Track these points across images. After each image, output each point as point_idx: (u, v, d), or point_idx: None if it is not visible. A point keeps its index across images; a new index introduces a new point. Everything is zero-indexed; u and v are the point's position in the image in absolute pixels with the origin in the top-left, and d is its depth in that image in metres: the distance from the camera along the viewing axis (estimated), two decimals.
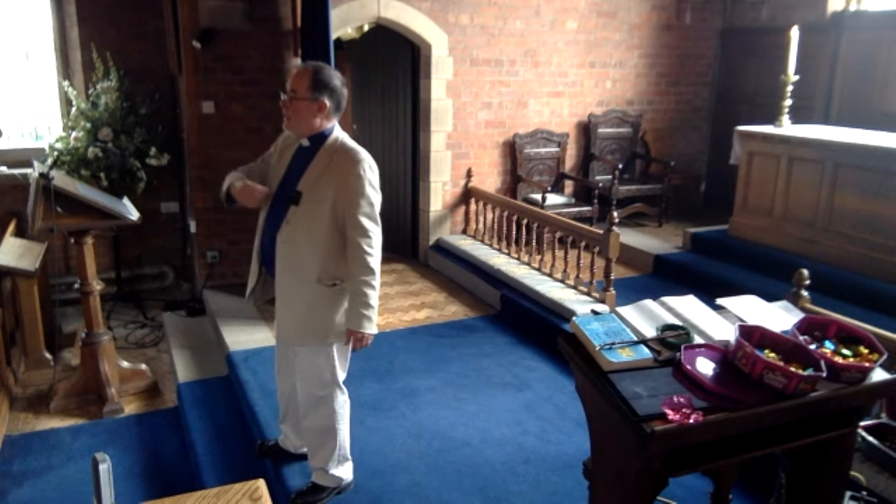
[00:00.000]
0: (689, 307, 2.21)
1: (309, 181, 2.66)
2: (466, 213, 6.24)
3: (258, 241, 2.89)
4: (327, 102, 2.63)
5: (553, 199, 6.14)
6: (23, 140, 5.91)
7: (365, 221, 2.64)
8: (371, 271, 2.66)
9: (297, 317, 2.77)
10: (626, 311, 2.20)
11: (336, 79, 2.67)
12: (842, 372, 1.87)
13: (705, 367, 1.87)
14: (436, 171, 6.06)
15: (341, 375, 2.88)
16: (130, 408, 4.16)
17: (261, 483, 1.84)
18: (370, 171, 2.66)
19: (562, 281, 4.95)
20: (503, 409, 3.74)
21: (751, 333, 1.96)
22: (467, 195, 6.17)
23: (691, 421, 1.69)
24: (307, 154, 2.71)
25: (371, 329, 2.70)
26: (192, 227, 5.46)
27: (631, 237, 6.08)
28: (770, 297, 2.43)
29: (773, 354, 1.90)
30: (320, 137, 2.70)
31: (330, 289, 2.71)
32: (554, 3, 6.19)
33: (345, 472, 2.96)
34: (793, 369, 1.80)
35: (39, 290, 4.42)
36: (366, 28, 6.41)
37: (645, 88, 6.87)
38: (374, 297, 2.68)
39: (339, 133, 2.73)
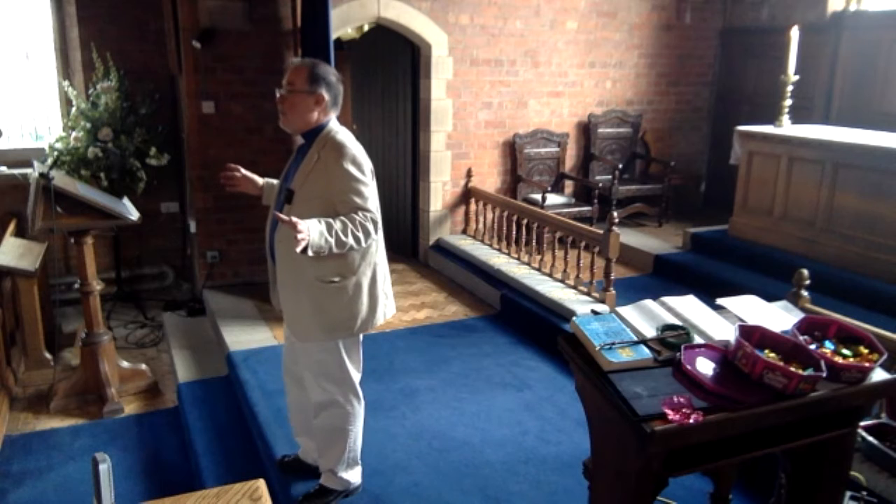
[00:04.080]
0: (689, 307, 2.21)
1: (300, 178, 2.63)
2: (466, 213, 6.24)
3: (267, 241, 2.84)
4: (325, 95, 2.60)
5: (553, 199, 6.14)
6: (23, 140, 5.91)
7: (358, 204, 2.58)
8: (363, 230, 2.54)
9: (301, 315, 2.70)
10: (626, 311, 2.20)
11: (332, 74, 2.66)
12: (842, 372, 1.87)
13: (705, 367, 1.87)
14: (436, 171, 6.06)
15: (355, 376, 2.82)
16: (130, 408, 4.16)
17: (261, 483, 1.84)
18: (353, 165, 2.58)
19: (562, 281, 4.95)
20: (503, 409, 3.73)
21: (751, 333, 1.95)
22: (467, 195, 6.17)
23: (691, 421, 1.69)
24: (303, 151, 2.69)
25: (310, 247, 2.42)
26: (192, 227, 5.46)
27: (631, 237, 6.08)
28: (770, 297, 2.43)
29: (773, 354, 1.90)
30: (314, 132, 2.66)
31: (328, 285, 2.65)
32: (554, 3, 6.19)
33: (353, 475, 2.94)
34: (793, 369, 1.80)
35: (39, 290, 4.43)
36: (366, 28, 6.41)
37: (645, 88, 6.87)
38: (339, 241, 2.50)
39: (333, 126, 2.67)
